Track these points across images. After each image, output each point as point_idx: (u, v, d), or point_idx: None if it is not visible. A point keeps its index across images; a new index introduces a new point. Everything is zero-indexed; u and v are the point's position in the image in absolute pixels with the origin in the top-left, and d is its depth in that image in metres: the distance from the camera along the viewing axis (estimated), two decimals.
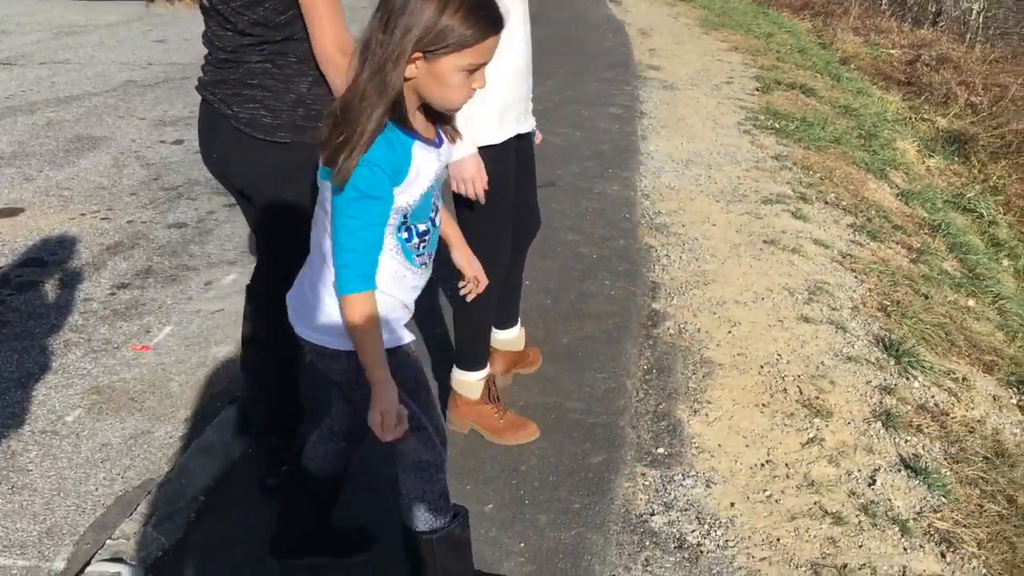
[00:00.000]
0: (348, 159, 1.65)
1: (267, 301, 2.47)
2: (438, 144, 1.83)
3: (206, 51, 2.51)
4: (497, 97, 2.60)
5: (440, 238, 2.03)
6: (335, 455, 2.25)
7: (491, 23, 1.67)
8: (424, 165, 1.77)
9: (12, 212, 5.00)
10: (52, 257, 4.44)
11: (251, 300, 2.77)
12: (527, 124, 2.84)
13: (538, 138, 3.03)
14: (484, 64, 1.72)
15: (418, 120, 1.78)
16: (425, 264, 1.92)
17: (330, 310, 1.85)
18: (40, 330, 3.76)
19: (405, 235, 1.83)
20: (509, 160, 2.74)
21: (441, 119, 1.84)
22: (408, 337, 1.94)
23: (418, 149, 1.75)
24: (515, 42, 2.63)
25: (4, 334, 3.70)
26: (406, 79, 1.68)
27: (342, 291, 1.74)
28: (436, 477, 2.01)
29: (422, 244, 1.88)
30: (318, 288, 1.87)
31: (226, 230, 4.85)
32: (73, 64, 8.64)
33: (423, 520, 2.03)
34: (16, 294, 4.04)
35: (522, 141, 2.84)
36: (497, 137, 2.65)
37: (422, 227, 1.86)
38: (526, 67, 2.73)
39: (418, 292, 1.96)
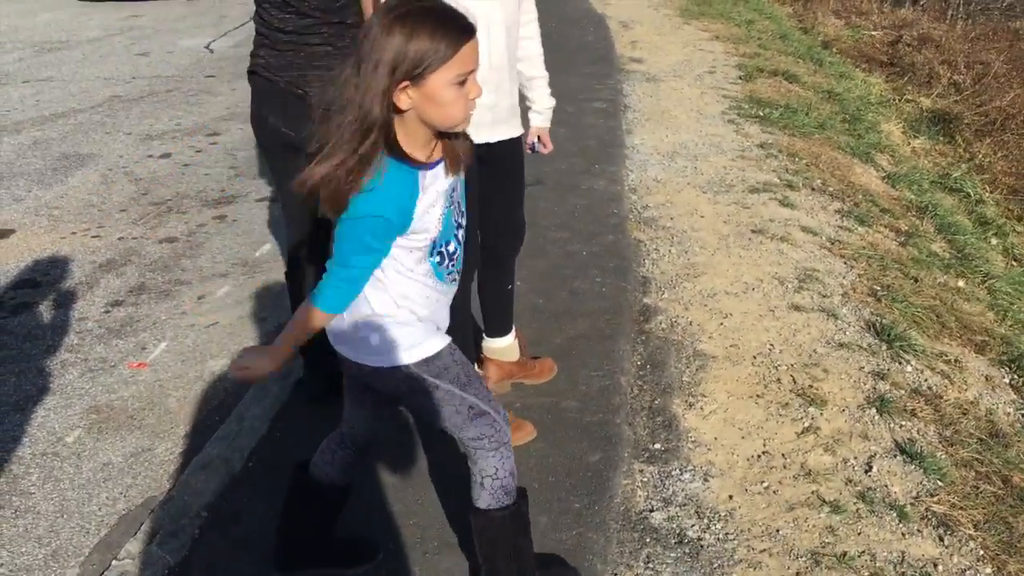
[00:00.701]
0: (339, 188, 1.72)
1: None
2: (436, 164, 1.86)
3: (260, 34, 2.76)
4: None
5: None
6: (342, 463, 2.29)
7: (460, 31, 1.70)
8: (432, 191, 1.83)
9: (2, 234, 5.00)
10: (45, 277, 4.45)
11: (294, 276, 3.07)
12: (498, 134, 2.79)
13: (546, 148, 3.09)
14: (472, 72, 1.74)
15: (424, 147, 1.82)
16: (454, 280, 2.03)
17: (375, 336, 1.94)
18: (36, 352, 3.77)
19: (437, 259, 1.92)
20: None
21: (450, 137, 1.87)
22: (442, 343, 2.01)
23: (425, 178, 1.81)
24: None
25: (1, 357, 3.71)
26: (400, 111, 1.72)
27: (323, 304, 1.84)
28: (507, 455, 2.10)
29: (451, 263, 1.97)
30: (359, 321, 1.95)
31: (216, 243, 4.86)
32: (57, 81, 8.63)
33: (497, 498, 2.12)
34: (11, 316, 4.05)
35: (497, 150, 2.80)
36: None
37: (451, 247, 1.95)
38: (493, 76, 2.70)
39: (448, 304, 2.07)
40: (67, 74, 8.94)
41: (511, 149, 2.89)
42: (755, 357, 3.61)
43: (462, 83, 1.73)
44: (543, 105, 3.03)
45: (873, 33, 12.69)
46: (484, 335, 3.21)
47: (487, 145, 2.74)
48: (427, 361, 1.97)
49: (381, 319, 1.93)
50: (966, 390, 3.60)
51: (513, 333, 3.26)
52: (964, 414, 3.40)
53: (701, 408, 3.28)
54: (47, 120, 7.28)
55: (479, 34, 2.61)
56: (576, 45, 9.71)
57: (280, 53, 2.72)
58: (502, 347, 3.23)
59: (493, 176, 2.81)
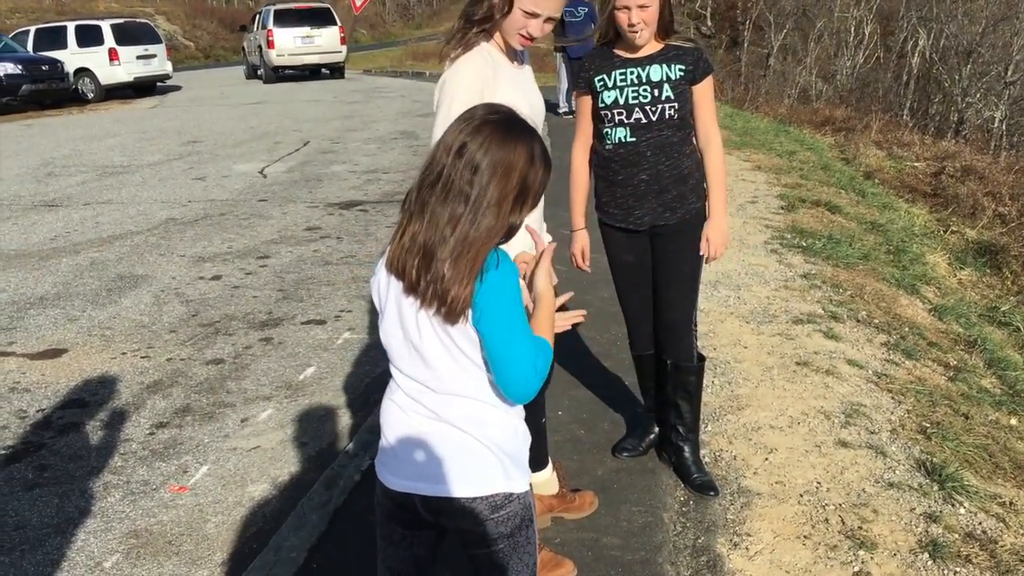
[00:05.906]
0: (461, 289, 1.63)
1: None
2: None
3: None
4: None
5: None
6: None
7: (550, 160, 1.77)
8: None
9: (55, 353, 5.12)
10: (93, 398, 4.53)
11: None
12: None
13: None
14: None
15: None
16: None
17: (503, 454, 1.76)
18: (80, 473, 3.80)
19: None
20: None
21: None
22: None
23: None
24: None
25: (45, 478, 3.75)
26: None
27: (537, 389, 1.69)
28: None
29: None
30: (468, 437, 1.75)
31: (262, 365, 4.92)
32: (116, 204, 8.96)
33: None
34: (57, 437, 4.11)
35: None
36: None
37: None
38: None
39: None
40: (126, 197, 9.29)
41: None
42: (801, 495, 3.53)
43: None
44: None
45: (916, 164, 12.80)
46: None
47: None
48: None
49: (516, 430, 1.78)
50: (1022, 535, 3.47)
51: (551, 466, 3.23)
52: (1021, 561, 3.27)
53: (746, 548, 3.19)
54: (105, 242, 7.54)
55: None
56: None
57: None
58: (541, 480, 3.19)
59: None
